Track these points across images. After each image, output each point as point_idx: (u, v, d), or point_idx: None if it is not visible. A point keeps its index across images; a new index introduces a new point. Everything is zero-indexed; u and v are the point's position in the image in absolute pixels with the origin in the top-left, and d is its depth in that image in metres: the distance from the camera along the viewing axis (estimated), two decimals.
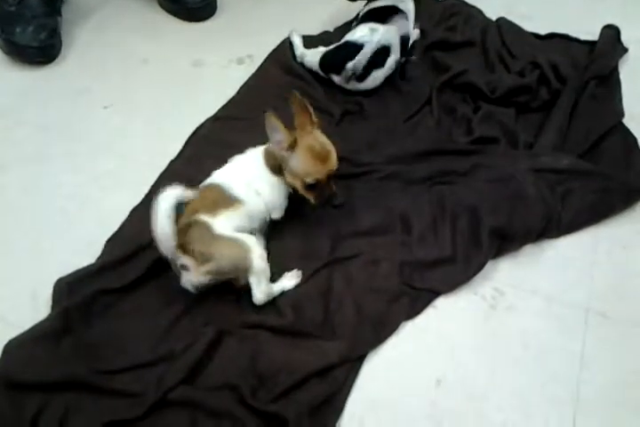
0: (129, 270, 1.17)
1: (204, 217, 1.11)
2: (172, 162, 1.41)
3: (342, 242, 1.25)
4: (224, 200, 1.15)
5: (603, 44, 1.69)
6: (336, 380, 1.04)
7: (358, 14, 1.67)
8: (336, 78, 1.56)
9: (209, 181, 1.20)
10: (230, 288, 1.13)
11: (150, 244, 1.20)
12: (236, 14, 1.90)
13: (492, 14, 1.84)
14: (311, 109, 1.19)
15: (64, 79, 1.64)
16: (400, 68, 1.62)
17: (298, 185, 1.19)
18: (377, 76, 1.55)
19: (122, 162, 1.42)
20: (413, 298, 1.17)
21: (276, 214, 1.24)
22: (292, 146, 1.15)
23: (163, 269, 1.14)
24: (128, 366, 1.05)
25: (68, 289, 1.14)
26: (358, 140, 1.47)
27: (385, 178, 1.37)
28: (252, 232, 1.18)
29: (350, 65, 1.49)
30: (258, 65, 1.68)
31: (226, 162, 1.24)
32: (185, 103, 1.59)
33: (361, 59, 1.49)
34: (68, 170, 1.40)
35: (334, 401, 1.03)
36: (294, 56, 1.67)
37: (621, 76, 1.64)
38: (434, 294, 1.18)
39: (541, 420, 1.03)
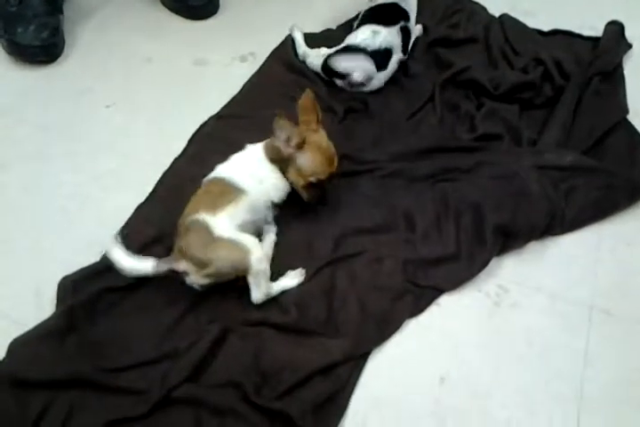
0: None
1: (205, 216, 1.11)
2: (176, 160, 1.41)
3: (346, 240, 1.25)
4: (228, 193, 1.15)
5: (607, 41, 1.68)
6: (340, 378, 1.05)
7: (359, 12, 1.67)
8: (339, 82, 1.56)
9: (213, 175, 1.21)
10: (234, 285, 1.13)
11: (154, 242, 1.21)
12: (238, 12, 1.89)
13: (496, 11, 1.84)
14: (319, 108, 1.22)
15: (66, 78, 1.64)
16: (403, 65, 1.61)
17: (300, 182, 1.21)
18: (380, 78, 1.54)
19: (124, 161, 1.42)
20: (417, 296, 1.17)
21: (278, 199, 1.24)
22: (301, 145, 1.16)
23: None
24: (132, 364, 1.05)
25: (72, 287, 1.14)
26: (361, 137, 1.46)
27: (388, 175, 1.37)
28: (258, 224, 1.20)
29: (355, 77, 1.49)
30: (261, 63, 1.68)
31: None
32: (188, 102, 1.59)
33: (364, 75, 1.50)
34: (69, 169, 1.40)
35: (338, 399, 1.03)
36: (296, 54, 1.66)
37: (625, 73, 1.63)
38: (438, 291, 1.18)
39: (545, 417, 1.03)
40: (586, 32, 1.76)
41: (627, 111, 1.50)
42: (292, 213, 1.28)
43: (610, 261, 1.25)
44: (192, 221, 1.11)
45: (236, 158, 1.24)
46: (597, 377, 1.07)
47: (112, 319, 1.11)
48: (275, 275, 1.15)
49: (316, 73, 1.60)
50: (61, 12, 1.73)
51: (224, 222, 1.11)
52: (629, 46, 1.71)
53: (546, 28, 1.79)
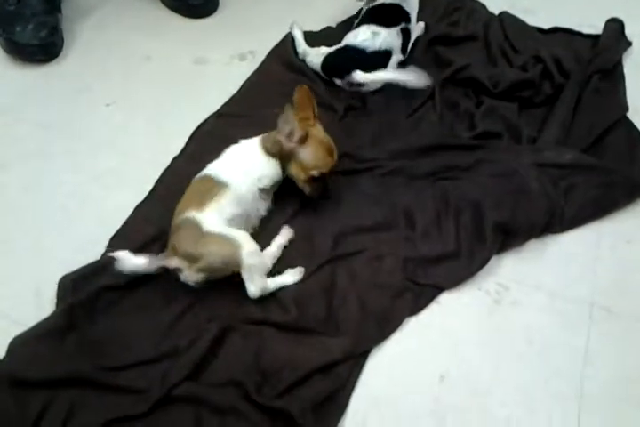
0: None
1: (194, 214, 1.12)
2: (175, 159, 1.41)
3: (346, 238, 1.25)
4: (211, 189, 1.16)
5: (606, 38, 1.68)
6: (340, 376, 1.04)
7: (360, 11, 1.67)
8: (338, 82, 1.56)
9: (202, 172, 1.22)
10: (231, 282, 1.13)
11: (154, 240, 1.21)
12: (237, 10, 1.89)
13: (495, 8, 1.84)
14: (315, 103, 1.24)
15: (65, 77, 1.64)
16: (402, 64, 1.61)
17: (302, 177, 1.22)
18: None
19: (123, 160, 1.42)
20: (417, 294, 1.17)
21: (262, 183, 1.23)
22: (304, 139, 1.18)
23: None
24: (132, 363, 1.05)
25: (72, 286, 1.14)
26: (361, 135, 1.46)
27: (388, 174, 1.37)
28: (251, 218, 1.21)
29: (353, 76, 1.49)
30: (260, 61, 1.68)
31: None
32: (187, 100, 1.58)
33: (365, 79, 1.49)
34: (69, 168, 1.40)
35: (338, 397, 1.03)
36: (296, 52, 1.66)
37: (625, 70, 1.63)
38: (438, 289, 1.18)
39: (545, 415, 1.03)
40: (585, 30, 1.76)
41: (626, 109, 1.50)
42: (292, 211, 1.28)
43: (609, 259, 1.24)
44: (182, 220, 1.12)
45: (225, 153, 1.25)
46: (597, 375, 1.07)
47: (112, 318, 1.11)
48: (274, 273, 1.16)
49: (316, 72, 1.60)
50: (60, 10, 1.73)
51: (212, 218, 1.12)
52: (629, 44, 1.70)
53: (545, 25, 1.78)
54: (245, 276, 1.10)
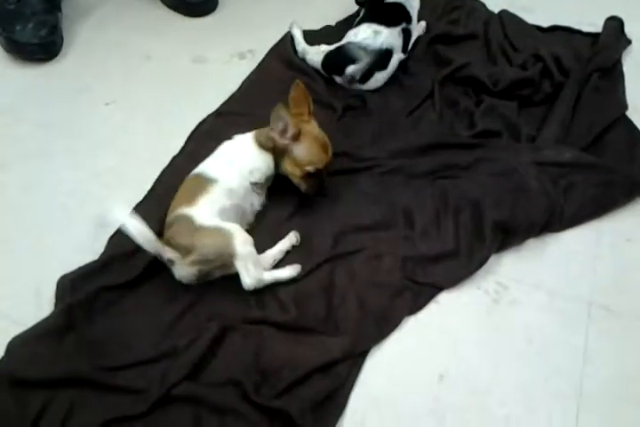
0: (132, 267, 1.17)
1: (186, 210, 1.13)
2: (175, 158, 1.41)
3: (345, 237, 1.25)
4: (200, 185, 1.17)
5: (606, 36, 1.68)
6: (339, 375, 1.04)
7: (360, 10, 1.67)
8: (338, 79, 1.56)
9: (193, 171, 1.23)
10: (231, 281, 1.13)
11: None
12: (237, 9, 1.89)
13: (495, 7, 1.84)
14: (310, 99, 1.25)
15: (65, 76, 1.64)
16: (402, 62, 1.61)
17: (297, 173, 1.23)
18: (379, 78, 1.54)
19: (123, 159, 1.42)
20: (416, 293, 1.17)
21: (254, 178, 1.23)
22: (297, 136, 1.19)
23: (166, 265, 1.14)
24: (131, 363, 1.05)
25: (71, 286, 1.14)
26: (361, 134, 1.47)
27: (387, 172, 1.37)
28: (244, 212, 1.22)
29: (350, 70, 1.50)
30: (259, 60, 1.68)
31: None
32: (187, 99, 1.58)
33: (361, 67, 1.49)
34: (68, 167, 1.40)
35: (337, 397, 1.03)
36: (295, 51, 1.66)
37: (625, 69, 1.63)
38: (437, 288, 1.18)
39: (545, 414, 1.02)
40: (585, 28, 1.76)
41: (626, 107, 1.50)
42: (290, 209, 1.28)
43: (609, 258, 1.24)
44: (175, 217, 1.13)
45: (218, 150, 1.26)
46: (597, 374, 1.07)
47: (110, 318, 1.11)
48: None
49: (316, 70, 1.60)
50: (60, 10, 1.74)
51: (204, 212, 1.13)
52: (629, 42, 1.71)
53: (545, 24, 1.78)
54: (240, 266, 1.10)
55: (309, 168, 1.21)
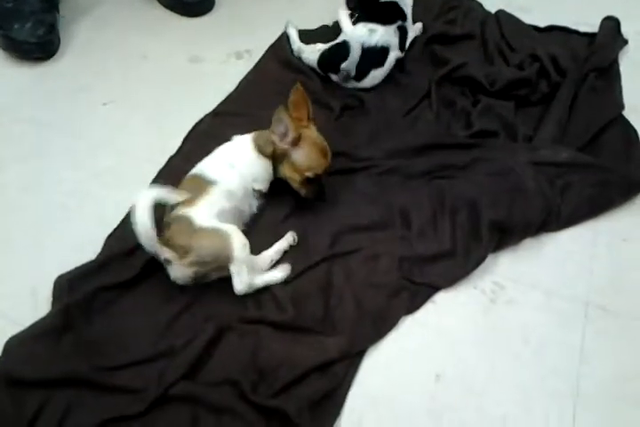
0: (129, 267, 1.17)
1: (185, 210, 1.13)
2: (172, 158, 1.41)
3: (342, 237, 1.25)
4: (200, 187, 1.17)
5: (602, 36, 1.69)
6: (336, 375, 1.04)
7: (355, 9, 1.67)
8: (334, 77, 1.56)
9: (192, 172, 1.22)
10: (228, 282, 1.13)
11: None
12: (234, 9, 1.89)
13: (491, 7, 1.84)
14: (310, 103, 1.24)
15: (63, 76, 1.64)
16: (399, 62, 1.61)
17: (296, 178, 1.22)
18: (376, 76, 1.55)
19: (122, 158, 1.42)
20: (413, 293, 1.17)
21: (259, 185, 1.24)
22: (297, 141, 1.18)
23: (163, 265, 1.14)
24: (129, 363, 1.05)
25: (68, 286, 1.14)
26: (358, 134, 1.47)
27: (384, 173, 1.37)
28: (243, 214, 1.22)
29: (343, 65, 1.50)
30: (256, 60, 1.68)
31: None
32: (184, 99, 1.58)
33: (352, 60, 1.49)
34: (67, 166, 1.40)
35: (334, 396, 1.03)
36: (292, 50, 1.66)
37: (621, 69, 1.63)
38: (433, 288, 1.18)
39: (541, 414, 1.03)
40: (582, 28, 1.76)
41: (622, 107, 1.50)
42: (287, 209, 1.29)
43: (605, 258, 1.25)
44: (174, 217, 1.13)
45: (216, 151, 1.26)
46: (593, 373, 1.07)
47: (108, 318, 1.11)
48: None
49: (312, 69, 1.60)
50: (58, 9, 1.74)
51: (203, 213, 1.13)
52: (625, 42, 1.71)
53: (542, 23, 1.79)
54: (234, 270, 1.10)
55: (308, 173, 1.21)
